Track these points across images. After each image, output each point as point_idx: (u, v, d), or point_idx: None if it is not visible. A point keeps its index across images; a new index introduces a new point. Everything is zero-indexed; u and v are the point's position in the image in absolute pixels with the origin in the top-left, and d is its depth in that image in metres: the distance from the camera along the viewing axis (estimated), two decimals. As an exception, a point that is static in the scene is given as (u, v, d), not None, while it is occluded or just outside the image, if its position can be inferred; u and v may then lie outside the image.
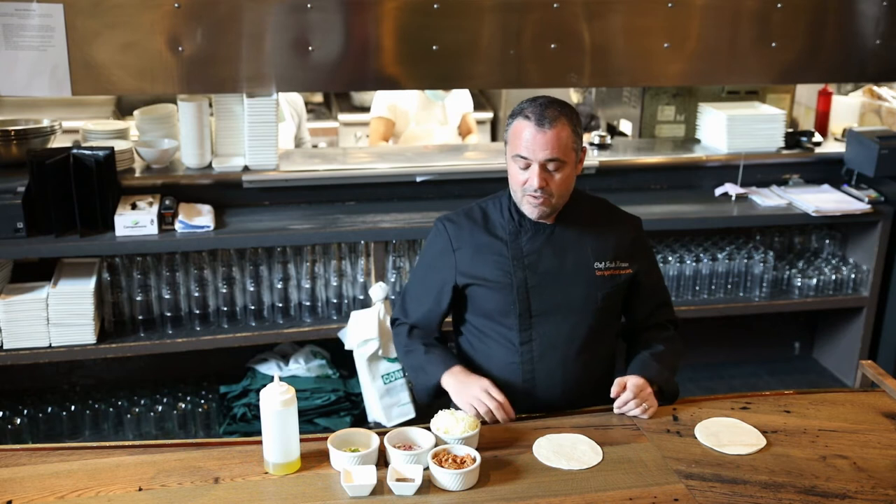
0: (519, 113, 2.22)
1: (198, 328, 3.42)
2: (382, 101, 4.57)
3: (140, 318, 3.38)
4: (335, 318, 3.52)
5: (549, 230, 2.30)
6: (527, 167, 2.19)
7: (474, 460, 1.97)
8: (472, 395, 2.21)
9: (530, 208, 2.24)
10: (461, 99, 4.70)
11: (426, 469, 1.97)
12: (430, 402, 2.35)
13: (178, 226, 3.32)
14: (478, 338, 2.37)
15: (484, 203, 2.38)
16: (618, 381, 2.24)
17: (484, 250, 2.31)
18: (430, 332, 2.41)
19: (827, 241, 4.09)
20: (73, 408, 3.47)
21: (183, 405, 3.51)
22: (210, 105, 3.59)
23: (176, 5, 3.33)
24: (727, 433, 2.17)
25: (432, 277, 2.37)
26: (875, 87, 4.46)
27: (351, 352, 3.42)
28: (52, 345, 3.22)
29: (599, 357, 2.35)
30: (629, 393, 2.21)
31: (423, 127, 4.58)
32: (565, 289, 2.30)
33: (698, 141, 4.16)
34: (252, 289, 3.47)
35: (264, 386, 2.05)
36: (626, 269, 2.35)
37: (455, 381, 2.26)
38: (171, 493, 1.91)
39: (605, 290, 2.32)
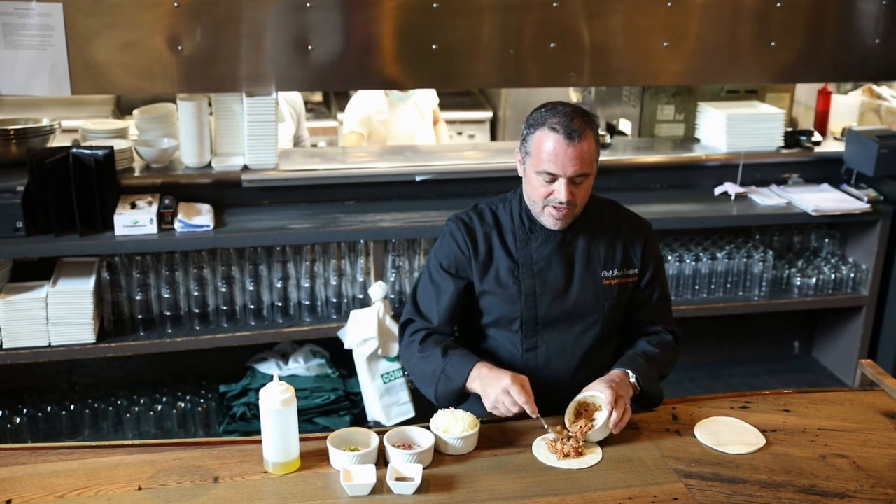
0: (542, 123, 2.13)
1: (197, 327, 3.42)
2: (353, 116, 4.55)
3: (139, 317, 3.38)
4: (335, 317, 3.52)
5: (560, 237, 2.27)
6: (553, 180, 2.14)
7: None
8: (493, 397, 2.11)
9: (552, 220, 2.20)
10: (428, 93, 4.68)
11: (425, 469, 1.98)
12: (456, 406, 2.21)
13: (177, 225, 3.32)
14: (481, 343, 2.35)
15: (494, 205, 2.33)
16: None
17: (494, 256, 2.28)
18: (446, 334, 2.33)
19: (826, 241, 4.09)
20: (72, 407, 3.47)
21: (182, 404, 3.51)
22: (209, 104, 3.59)
23: (175, 5, 3.33)
24: (727, 432, 2.17)
25: (449, 278, 2.30)
26: (874, 87, 4.46)
27: (350, 351, 3.42)
28: (52, 344, 3.22)
29: (604, 363, 2.31)
30: (606, 409, 2.09)
31: (404, 131, 4.57)
32: (573, 297, 2.28)
33: (698, 140, 4.16)
34: (251, 288, 3.47)
35: (264, 385, 2.05)
36: (634, 277, 2.32)
37: (480, 384, 2.15)
38: (170, 493, 1.91)
39: (612, 300, 2.30)
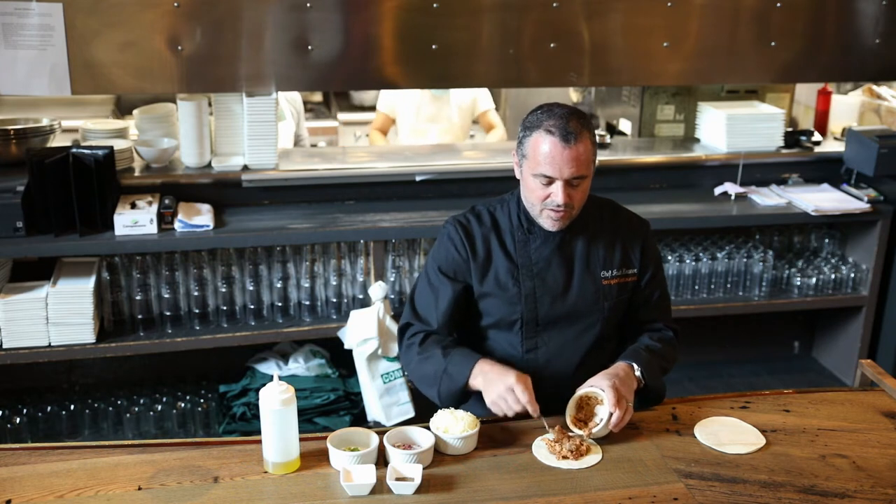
0: (538, 126, 2.13)
1: (197, 327, 3.42)
2: (385, 99, 4.72)
3: (139, 317, 3.38)
4: (335, 317, 3.52)
5: (559, 238, 2.27)
6: (549, 183, 2.14)
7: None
8: (496, 393, 2.11)
9: (550, 222, 2.20)
10: (479, 97, 4.72)
11: (425, 469, 1.98)
12: (457, 406, 2.19)
13: (177, 225, 3.32)
14: (482, 345, 2.35)
15: (492, 206, 2.33)
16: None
17: (493, 258, 2.28)
18: (446, 336, 2.32)
19: (826, 241, 4.09)
20: (72, 407, 3.47)
21: (182, 404, 3.51)
22: (209, 104, 3.59)
23: (175, 4, 3.33)
24: (726, 432, 2.17)
25: (447, 281, 2.29)
26: (874, 87, 4.46)
27: (350, 351, 3.42)
28: (52, 344, 3.22)
29: (604, 363, 2.30)
30: (609, 405, 2.08)
31: (423, 125, 4.60)
32: (573, 298, 2.28)
33: (698, 140, 4.16)
34: (251, 288, 3.47)
35: (264, 385, 2.05)
36: (633, 277, 2.33)
37: (483, 381, 2.15)
38: (170, 493, 1.91)
39: (612, 299, 2.30)
